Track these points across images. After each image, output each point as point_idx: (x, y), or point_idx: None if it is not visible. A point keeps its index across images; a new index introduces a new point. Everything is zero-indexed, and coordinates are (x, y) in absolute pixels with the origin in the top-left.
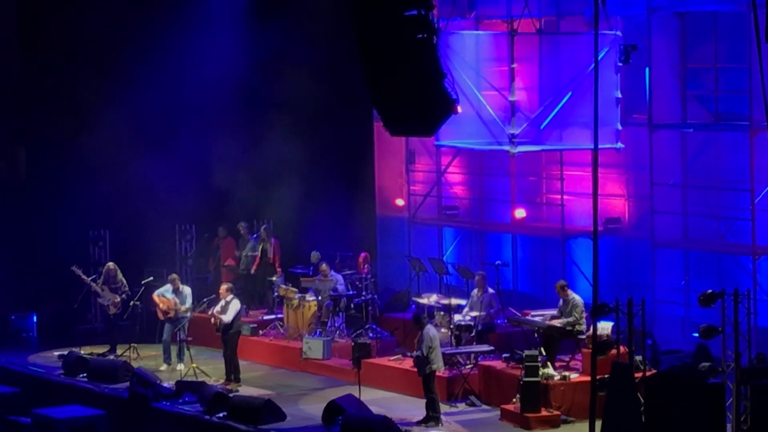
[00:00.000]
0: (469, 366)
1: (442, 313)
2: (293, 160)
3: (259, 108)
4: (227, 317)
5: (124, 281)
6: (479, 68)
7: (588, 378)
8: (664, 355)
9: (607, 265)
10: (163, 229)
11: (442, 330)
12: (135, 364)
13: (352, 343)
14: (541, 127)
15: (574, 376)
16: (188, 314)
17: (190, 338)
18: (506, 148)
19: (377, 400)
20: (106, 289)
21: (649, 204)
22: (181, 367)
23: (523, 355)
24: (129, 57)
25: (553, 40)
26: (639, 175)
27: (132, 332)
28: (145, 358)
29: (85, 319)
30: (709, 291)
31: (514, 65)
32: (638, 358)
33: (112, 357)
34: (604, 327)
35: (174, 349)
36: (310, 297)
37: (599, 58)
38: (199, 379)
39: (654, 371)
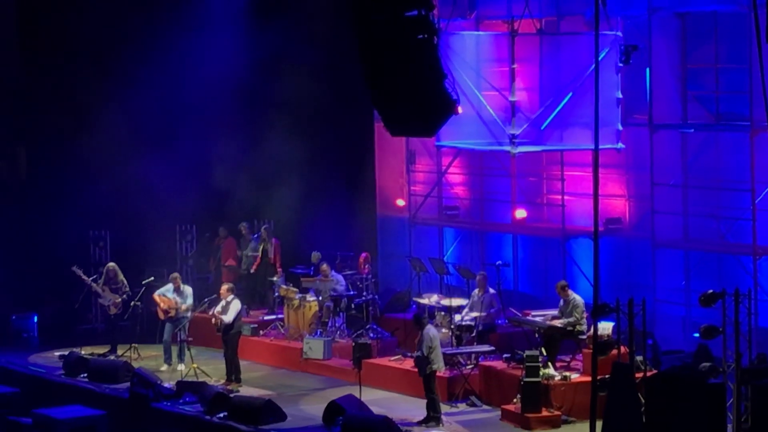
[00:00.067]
0: (470, 366)
1: (442, 313)
2: (293, 160)
3: (259, 108)
4: (228, 317)
5: (125, 281)
6: (480, 69)
7: (589, 378)
8: (664, 355)
9: (607, 266)
10: (164, 229)
11: (443, 330)
12: (136, 365)
13: (353, 344)
14: (542, 127)
15: (574, 377)
16: (189, 314)
17: (190, 338)
18: (507, 148)
19: (378, 400)
20: (106, 290)
21: (649, 204)
22: (181, 367)
23: (524, 355)
24: (129, 57)
25: (553, 41)
26: (639, 175)
27: (132, 332)
28: (146, 358)
29: (85, 319)
30: (710, 291)
31: (515, 66)
32: (639, 358)
33: (112, 357)
34: (605, 327)
35: (174, 350)
36: (310, 297)
37: (600, 58)
38: (200, 380)
39: (655, 371)
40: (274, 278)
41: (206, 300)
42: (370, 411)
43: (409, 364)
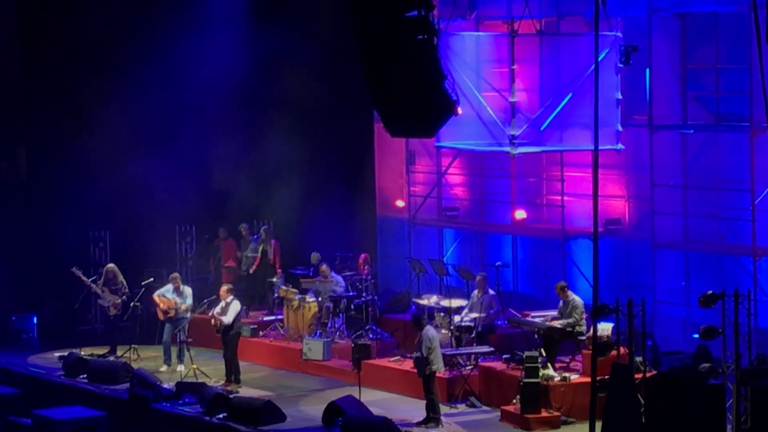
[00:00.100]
0: (470, 367)
1: (442, 314)
2: (293, 160)
3: (259, 108)
4: (227, 318)
5: (125, 282)
6: (479, 69)
7: (588, 379)
8: (664, 356)
9: (607, 266)
10: (164, 230)
11: (443, 331)
12: (135, 365)
13: (352, 344)
14: (542, 128)
15: (574, 377)
16: (188, 314)
17: (190, 339)
18: (506, 149)
19: (377, 401)
20: (106, 291)
21: (649, 205)
22: (181, 368)
23: (524, 356)
24: (129, 57)
25: (553, 41)
26: (639, 176)
27: (132, 333)
28: (146, 359)
29: (85, 320)
30: (710, 292)
31: (515, 66)
32: (638, 359)
33: (112, 358)
34: (605, 328)
35: (174, 351)
36: (310, 298)
37: (600, 59)
38: (200, 380)
39: (654, 372)
40: (274, 279)
41: (206, 301)
42: (369, 412)
43: (408, 364)
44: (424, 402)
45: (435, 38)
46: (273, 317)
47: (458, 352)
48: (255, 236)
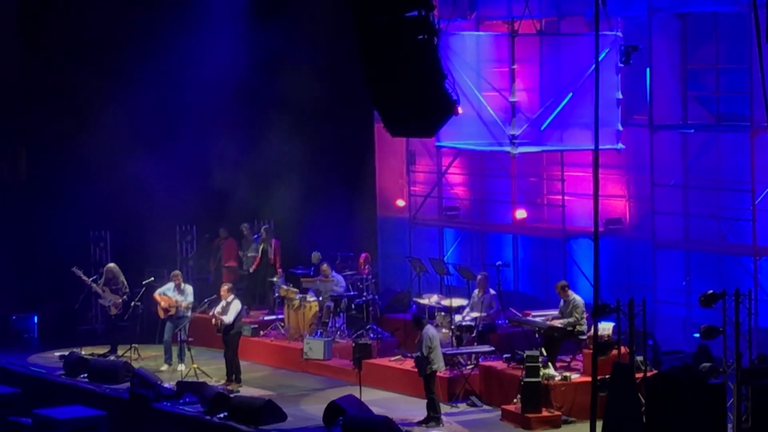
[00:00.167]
0: (470, 366)
1: (443, 313)
2: (293, 160)
3: (259, 108)
4: (228, 318)
5: (125, 282)
6: (480, 69)
7: (589, 378)
8: (665, 355)
9: (608, 266)
10: (164, 230)
11: (443, 330)
12: (136, 365)
13: (353, 344)
14: (542, 128)
15: (575, 377)
16: (189, 313)
17: (191, 339)
18: (507, 149)
19: (378, 400)
20: (107, 290)
21: (649, 205)
22: (181, 367)
23: (524, 355)
24: (129, 57)
25: (553, 41)
26: (640, 175)
27: (133, 333)
28: (146, 358)
29: (85, 319)
30: (710, 291)
31: (515, 66)
32: (639, 358)
33: (112, 357)
34: (605, 327)
35: (175, 350)
36: (310, 297)
37: (600, 58)
38: (200, 380)
39: (655, 372)
40: (275, 279)
41: (206, 300)
42: (370, 411)
43: (409, 364)
44: (425, 401)
45: (435, 38)
46: (274, 317)
47: (459, 351)
48: (256, 236)
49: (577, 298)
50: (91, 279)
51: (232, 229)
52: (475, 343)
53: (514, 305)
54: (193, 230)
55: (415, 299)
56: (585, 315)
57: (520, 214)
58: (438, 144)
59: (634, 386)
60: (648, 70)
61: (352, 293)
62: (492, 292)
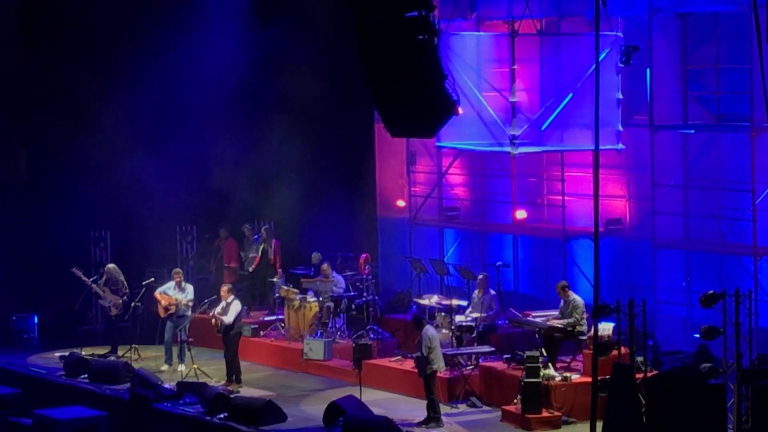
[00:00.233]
0: (470, 367)
1: (443, 314)
2: (293, 160)
3: (259, 108)
4: (228, 318)
5: (125, 282)
6: (480, 69)
7: (589, 379)
8: (665, 355)
9: (608, 266)
10: (164, 230)
11: (443, 331)
12: (136, 365)
13: (353, 344)
14: (542, 128)
15: (575, 377)
16: (189, 312)
17: (191, 339)
18: (507, 149)
19: (378, 401)
20: (107, 291)
21: (650, 205)
22: (182, 368)
23: (524, 356)
24: (129, 57)
25: (554, 41)
26: (640, 176)
27: (133, 333)
28: (146, 359)
29: (86, 320)
30: (711, 292)
31: (515, 66)
32: (639, 358)
33: (113, 358)
34: (605, 328)
35: (175, 350)
36: (311, 298)
37: (600, 59)
38: (200, 380)
39: (655, 372)
40: (275, 279)
41: (206, 301)
42: (370, 412)
43: (409, 364)
44: (425, 402)
45: (435, 38)
46: (274, 317)
47: (459, 351)
48: (256, 236)
49: (578, 299)
50: (91, 279)
51: (233, 230)
52: (475, 344)
53: (515, 306)
54: (193, 230)
55: (415, 300)
56: (585, 315)
57: (521, 214)
58: (438, 144)
59: (634, 387)
60: (648, 70)
61: (352, 294)
62: (492, 292)
